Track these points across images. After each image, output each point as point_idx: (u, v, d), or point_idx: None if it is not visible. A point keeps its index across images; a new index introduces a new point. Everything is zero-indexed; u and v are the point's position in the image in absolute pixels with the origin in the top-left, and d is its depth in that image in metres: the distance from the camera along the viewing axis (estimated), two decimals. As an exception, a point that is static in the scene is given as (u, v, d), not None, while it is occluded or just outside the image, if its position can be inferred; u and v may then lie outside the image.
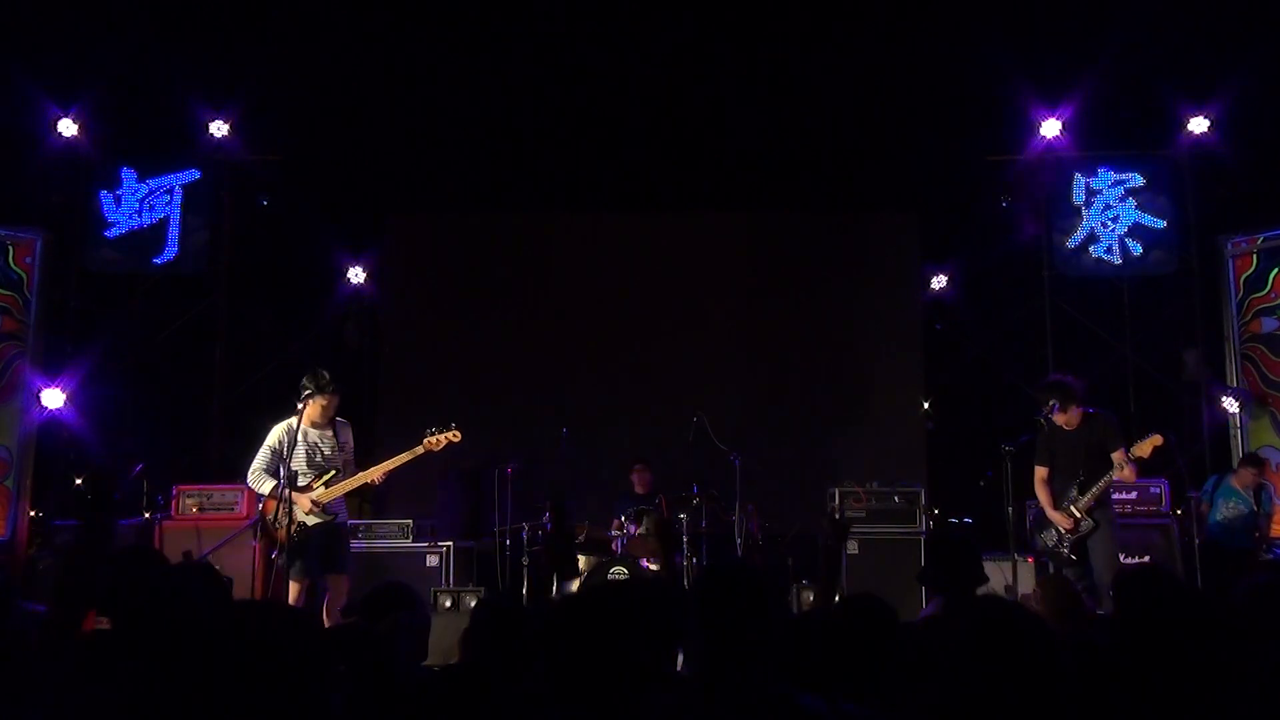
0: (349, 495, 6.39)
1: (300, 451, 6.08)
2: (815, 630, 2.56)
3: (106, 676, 2.59)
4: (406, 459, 6.25)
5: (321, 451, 6.15)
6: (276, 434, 6.12)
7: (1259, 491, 7.82)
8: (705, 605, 2.22)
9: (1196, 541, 7.67)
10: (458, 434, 6.33)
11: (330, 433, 6.19)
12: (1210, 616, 1.89)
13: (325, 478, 6.08)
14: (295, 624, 1.96)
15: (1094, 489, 5.99)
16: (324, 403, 6.09)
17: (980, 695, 1.68)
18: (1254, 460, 7.94)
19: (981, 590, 3.65)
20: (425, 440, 6.26)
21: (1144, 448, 5.94)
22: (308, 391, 6.04)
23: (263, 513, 6.09)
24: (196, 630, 2.23)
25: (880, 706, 2.23)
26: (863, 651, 2.38)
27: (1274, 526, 8.15)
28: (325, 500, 6.05)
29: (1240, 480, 7.85)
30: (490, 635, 2.78)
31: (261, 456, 6.12)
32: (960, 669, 1.71)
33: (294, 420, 6.07)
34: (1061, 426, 6.16)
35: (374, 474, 6.17)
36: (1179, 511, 8.03)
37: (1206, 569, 7.33)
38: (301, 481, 6.06)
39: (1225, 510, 7.77)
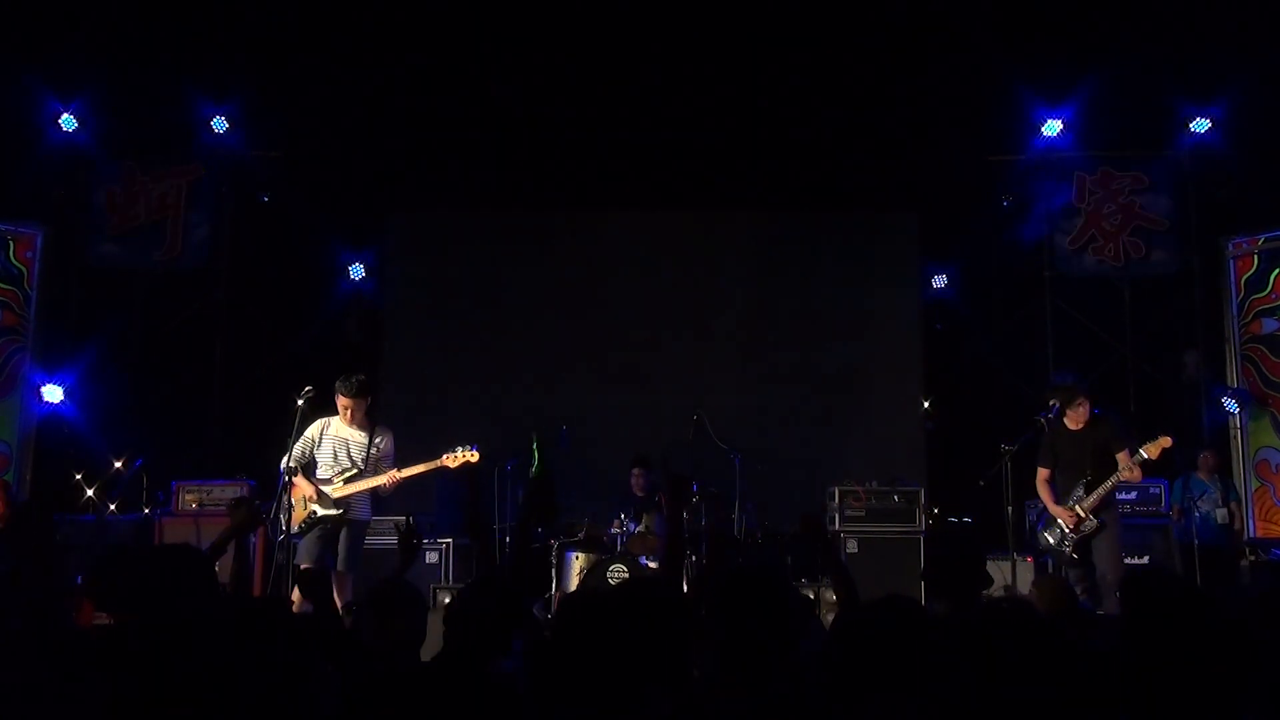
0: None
1: (327, 447, 6.26)
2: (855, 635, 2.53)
3: (102, 671, 2.59)
4: (422, 470, 6.36)
5: (349, 450, 6.27)
6: (315, 426, 6.28)
7: (1222, 475, 8.25)
8: (727, 607, 2.22)
9: (1195, 543, 7.76)
10: (476, 454, 6.39)
11: (365, 435, 6.30)
12: (1217, 619, 1.89)
13: (346, 474, 6.20)
14: (286, 623, 1.96)
15: (1101, 488, 6.00)
16: (343, 403, 6.23)
17: (985, 697, 1.68)
18: (1208, 445, 8.38)
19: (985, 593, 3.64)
20: (444, 456, 6.35)
21: (1154, 449, 5.94)
22: (337, 399, 6.26)
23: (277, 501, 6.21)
24: (191, 628, 2.24)
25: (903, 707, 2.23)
26: (895, 652, 2.37)
27: (1263, 525, 8.22)
28: (338, 494, 6.16)
29: (1205, 471, 8.22)
30: (480, 614, 2.74)
31: (298, 445, 6.23)
32: (969, 670, 1.71)
33: (332, 417, 6.29)
34: (1067, 427, 6.15)
35: (388, 479, 6.24)
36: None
37: (1206, 569, 7.40)
38: (323, 475, 6.23)
39: (1206, 505, 8.02)
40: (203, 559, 3.15)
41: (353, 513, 6.23)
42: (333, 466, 6.24)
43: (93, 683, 2.53)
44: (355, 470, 6.22)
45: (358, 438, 6.30)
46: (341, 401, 6.23)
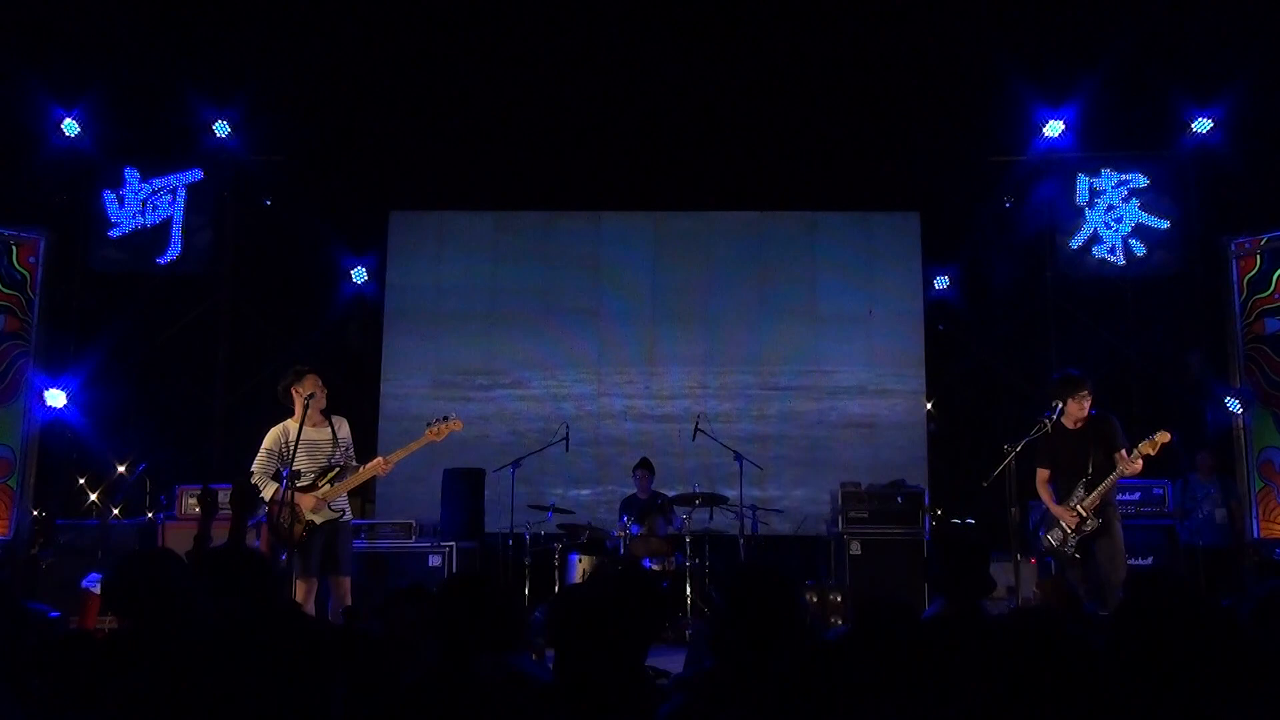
0: (351, 493, 6.37)
1: (301, 452, 5.99)
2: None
3: (113, 676, 2.59)
4: (412, 450, 6.20)
5: (322, 449, 6.08)
6: (273, 436, 6.07)
7: (1221, 475, 8.29)
8: (732, 604, 2.22)
9: (1199, 544, 7.77)
10: (459, 423, 6.24)
11: (328, 429, 6.12)
12: (1220, 623, 1.89)
13: (330, 475, 6.02)
14: (299, 625, 1.96)
15: (1101, 487, 5.99)
16: (318, 382, 6.00)
17: (998, 701, 1.68)
18: (1209, 446, 8.41)
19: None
20: (428, 430, 6.18)
21: (1151, 446, 5.92)
22: (301, 386, 5.97)
23: (268, 515, 6.05)
24: (202, 631, 2.24)
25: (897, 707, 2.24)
26: (887, 653, 2.38)
27: (1266, 525, 8.22)
28: (331, 498, 6.00)
29: (1204, 471, 8.27)
30: (463, 611, 2.74)
31: (259, 460, 6.05)
32: (982, 675, 1.71)
33: (290, 421, 6.03)
34: (1066, 427, 6.14)
35: (380, 466, 6.10)
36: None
37: (1209, 570, 7.41)
38: (305, 481, 6.00)
39: (1206, 506, 8.06)
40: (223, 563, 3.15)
41: (347, 515, 6.12)
42: (311, 471, 6.01)
43: (100, 687, 2.54)
44: (336, 469, 6.04)
45: (322, 436, 6.09)
46: (315, 380, 6.00)
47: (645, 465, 8.50)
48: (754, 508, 8.07)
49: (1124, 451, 5.98)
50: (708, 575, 7.84)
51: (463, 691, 2.42)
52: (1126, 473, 5.97)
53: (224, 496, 7.95)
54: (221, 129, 9.18)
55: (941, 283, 9.95)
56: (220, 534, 7.61)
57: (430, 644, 2.71)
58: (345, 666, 2.41)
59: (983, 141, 9.33)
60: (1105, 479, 5.98)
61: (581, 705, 2.26)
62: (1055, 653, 1.78)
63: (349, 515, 6.19)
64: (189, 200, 9.27)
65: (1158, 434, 5.93)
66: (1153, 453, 5.93)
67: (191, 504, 8.07)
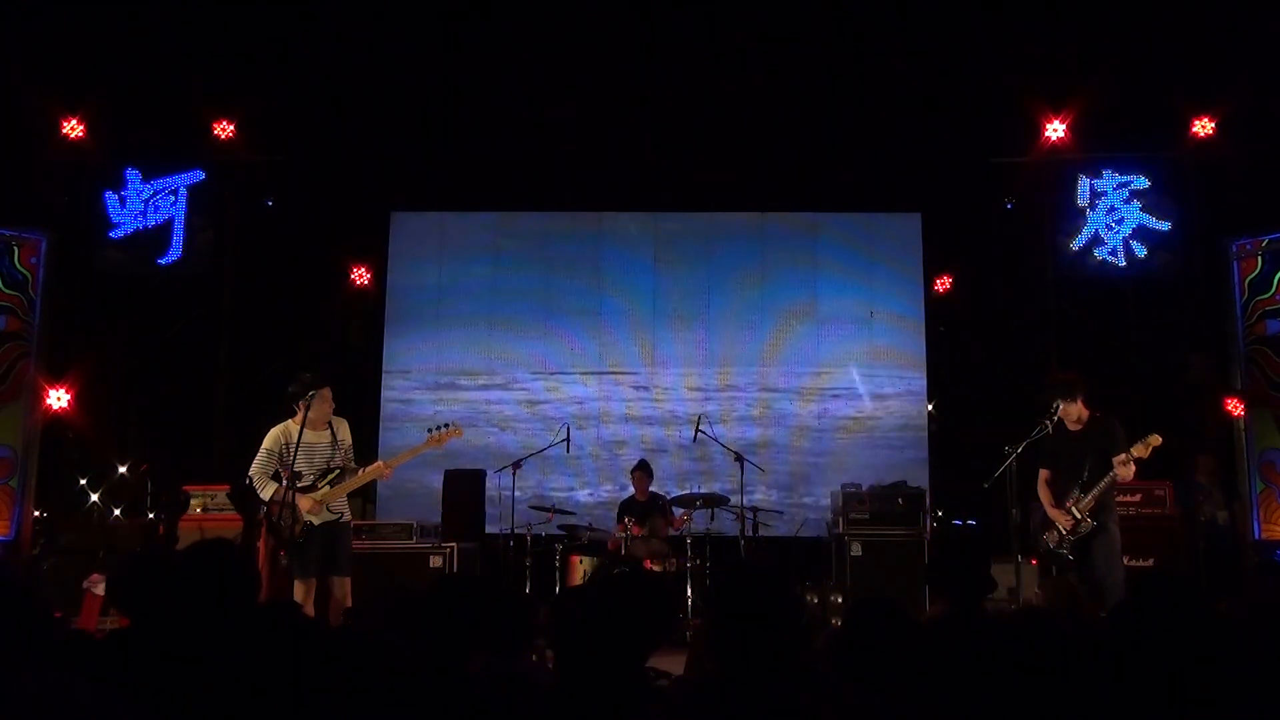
0: (351, 494, 6.38)
1: (300, 455, 6.00)
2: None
3: (113, 675, 2.59)
4: (413, 454, 6.29)
5: (321, 451, 6.08)
6: (273, 436, 6.07)
7: (1223, 476, 8.34)
8: (725, 605, 2.23)
9: (1200, 546, 7.76)
10: (459, 431, 6.31)
11: (328, 432, 6.12)
12: (1219, 624, 1.89)
13: (329, 477, 6.02)
14: (300, 625, 1.96)
15: (1096, 489, 5.96)
16: (327, 394, 6.03)
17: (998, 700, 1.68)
18: (1206, 449, 8.43)
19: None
20: (429, 437, 6.21)
21: (1143, 449, 5.89)
22: (310, 392, 5.98)
23: (267, 515, 6.05)
24: (204, 632, 2.24)
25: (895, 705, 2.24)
26: (877, 652, 2.38)
27: (1267, 527, 8.21)
28: (330, 500, 6.00)
29: (1205, 473, 8.30)
30: (452, 608, 2.73)
31: (259, 460, 6.05)
32: (981, 674, 1.71)
33: (290, 423, 6.04)
34: (1067, 428, 6.13)
35: (380, 471, 6.13)
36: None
37: (1211, 572, 7.40)
38: (304, 483, 6.01)
39: (1208, 507, 8.05)
40: (221, 561, 3.13)
41: (345, 516, 6.12)
42: (311, 473, 6.02)
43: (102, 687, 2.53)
44: (335, 472, 6.04)
45: (321, 439, 6.09)
46: (324, 391, 6.01)
47: (643, 468, 8.50)
48: (754, 509, 8.06)
49: (1124, 455, 5.94)
50: (708, 577, 7.83)
51: (461, 692, 2.42)
52: (1119, 475, 5.92)
53: (220, 498, 8.01)
54: (223, 130, 9.18)
55: (942, 284, 9.94)
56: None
57: (420, 644, 2.71)
58: (345, 666, 2.41)
59: (984, 143, 9.32)
60: (1099, 482, 5.95)
61: (581, 707, 2.26)
62: (1055, 653, 1.78)
63: (348, 516, 6.19)
64: (190, 201, 9.26)
65: (1150, 436, 5.90)
66: (1144, 455, 5.89)
67: (194, 504, 8.05)
